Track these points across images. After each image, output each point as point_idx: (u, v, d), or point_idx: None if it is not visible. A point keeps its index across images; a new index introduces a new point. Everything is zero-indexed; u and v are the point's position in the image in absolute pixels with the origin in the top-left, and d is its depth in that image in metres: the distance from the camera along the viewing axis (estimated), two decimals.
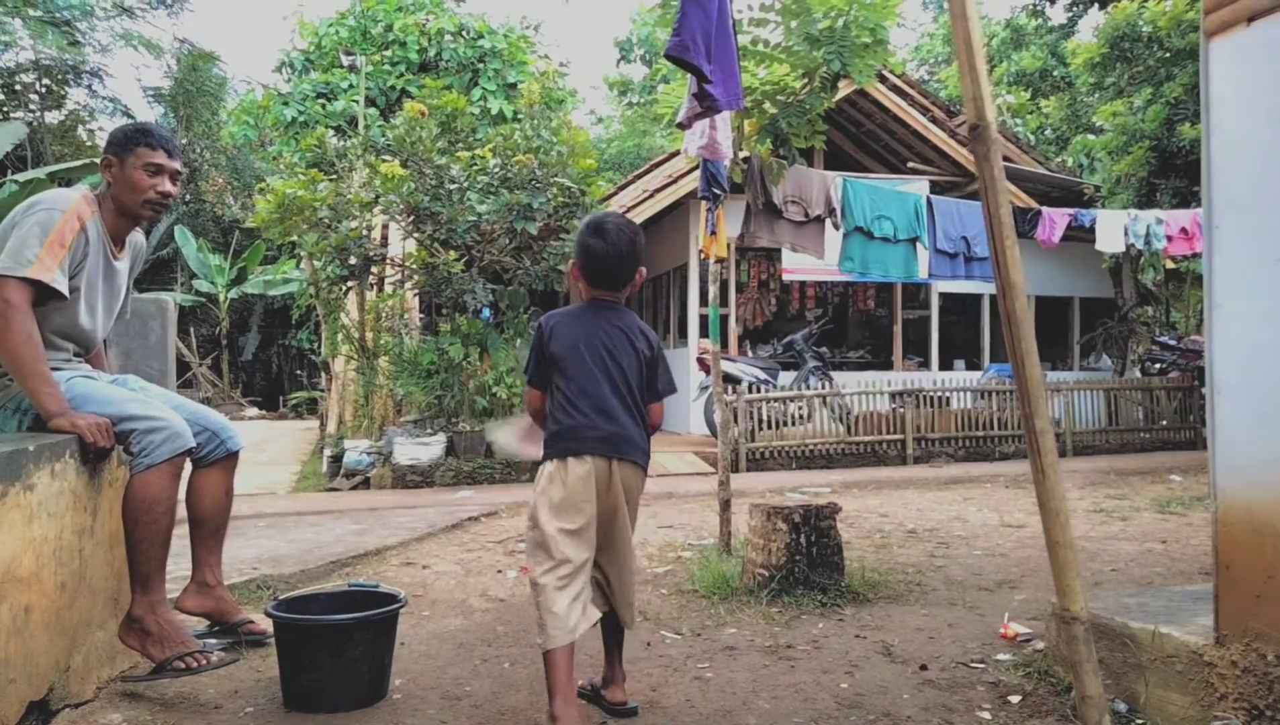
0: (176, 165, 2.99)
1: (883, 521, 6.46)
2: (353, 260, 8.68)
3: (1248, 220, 2.39)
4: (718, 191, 4.03)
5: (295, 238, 8.67)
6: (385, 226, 9.61)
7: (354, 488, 8.54)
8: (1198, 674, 2.47)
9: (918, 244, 7.07)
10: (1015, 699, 2.82)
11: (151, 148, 2.93)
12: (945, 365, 12.35)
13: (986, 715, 2.70)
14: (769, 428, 9.89)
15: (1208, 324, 2.50)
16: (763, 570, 4.10)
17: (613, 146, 27.54)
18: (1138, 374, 13.25)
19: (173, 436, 2.80)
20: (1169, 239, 8.44)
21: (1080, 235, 8.96)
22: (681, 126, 3.59)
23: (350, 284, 9.17)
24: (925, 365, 12.42)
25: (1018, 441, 10.87)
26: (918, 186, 11.42)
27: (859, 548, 5.36)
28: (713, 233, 4.14)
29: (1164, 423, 11.73)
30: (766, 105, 4.74)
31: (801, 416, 10.14)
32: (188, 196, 26.10)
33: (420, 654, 3.30)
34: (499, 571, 4.75)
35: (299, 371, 24.95)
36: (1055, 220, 8.49)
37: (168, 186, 2.96)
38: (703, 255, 4.50)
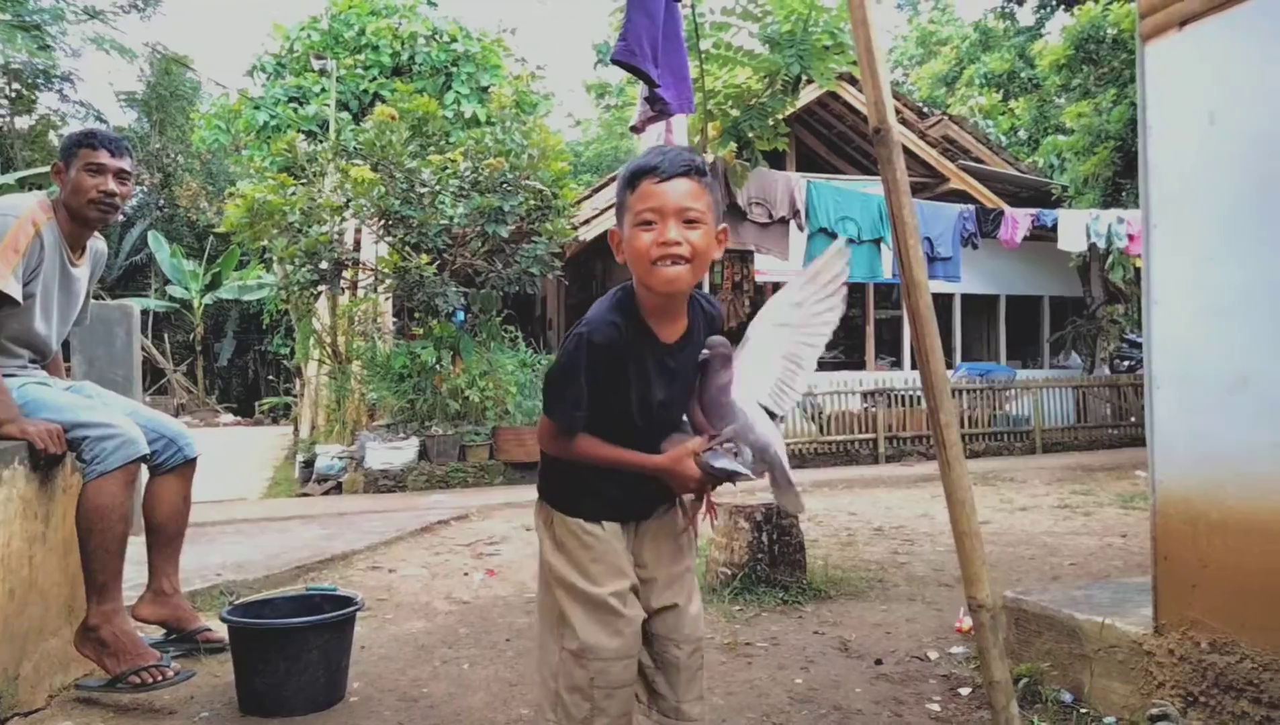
0: (121, 164, 2.98)
1: (850, 519, 6.52)
2: (324, 264, 8.65)
3: (1182, 219, 2.45)
4: None
5: (266, 242, 8.63)
6: (358, 230, 9.58)
7: (325, 493, 8.51)
8: (1138, 663, 2.53)
9: (881, 245, 7.15)
10: (965, 691, 2.87)
11: (93, 148, 2.93)
12: (917, 365, 12.44)
13: (936, 707, 2.75)
14: None
15: (1146, 320, 2.56)
16: (725, 569, 4.14)
17: (591, 149, 27.54)
18: (1107, 371, 13.41)
19: (126, 443, 2.80)
20: (1130, 238, 8.57)
21: (1044, 235, 9.06)
22: (635, 130, 3.63)
23: (321, 289, 9.14)
24: (898, 365, 12.52)
25: (987, 439, 10.98)
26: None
27: (825, 546, 5.41)
28: None
29: (1132, 419, 11.88)
30: (730, 108, 4.78)
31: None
32: (161, 202, 25.92)
33: (380, 656, 3.31)
34: (465, 574, 4.76)
35: (273, 377, 24.80)
36: (1018, 220, 8.60)
37: (111, 186, 2.95)
38: None
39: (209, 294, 23.19)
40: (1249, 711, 2.23)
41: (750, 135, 4.54)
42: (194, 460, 3.27)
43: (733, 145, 4.63)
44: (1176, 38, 2.43)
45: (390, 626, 3.74)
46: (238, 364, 26.12)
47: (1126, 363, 14.18)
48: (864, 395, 10.53)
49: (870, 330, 12.27)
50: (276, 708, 2.68)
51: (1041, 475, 8.92)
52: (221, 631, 3.21)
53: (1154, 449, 2.52)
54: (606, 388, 1.75)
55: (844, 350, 12.86)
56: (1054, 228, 8.73)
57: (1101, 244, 8.71)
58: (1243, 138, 2.28)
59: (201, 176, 25.01)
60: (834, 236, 6.57)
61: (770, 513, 4.14)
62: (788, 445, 9.92)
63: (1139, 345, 14.64)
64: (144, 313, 23.14)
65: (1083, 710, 2.63)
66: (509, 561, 5.06)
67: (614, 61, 2.93)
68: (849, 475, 9.04)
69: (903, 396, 10.69)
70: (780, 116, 4.66)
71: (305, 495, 8.55)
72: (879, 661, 3.18)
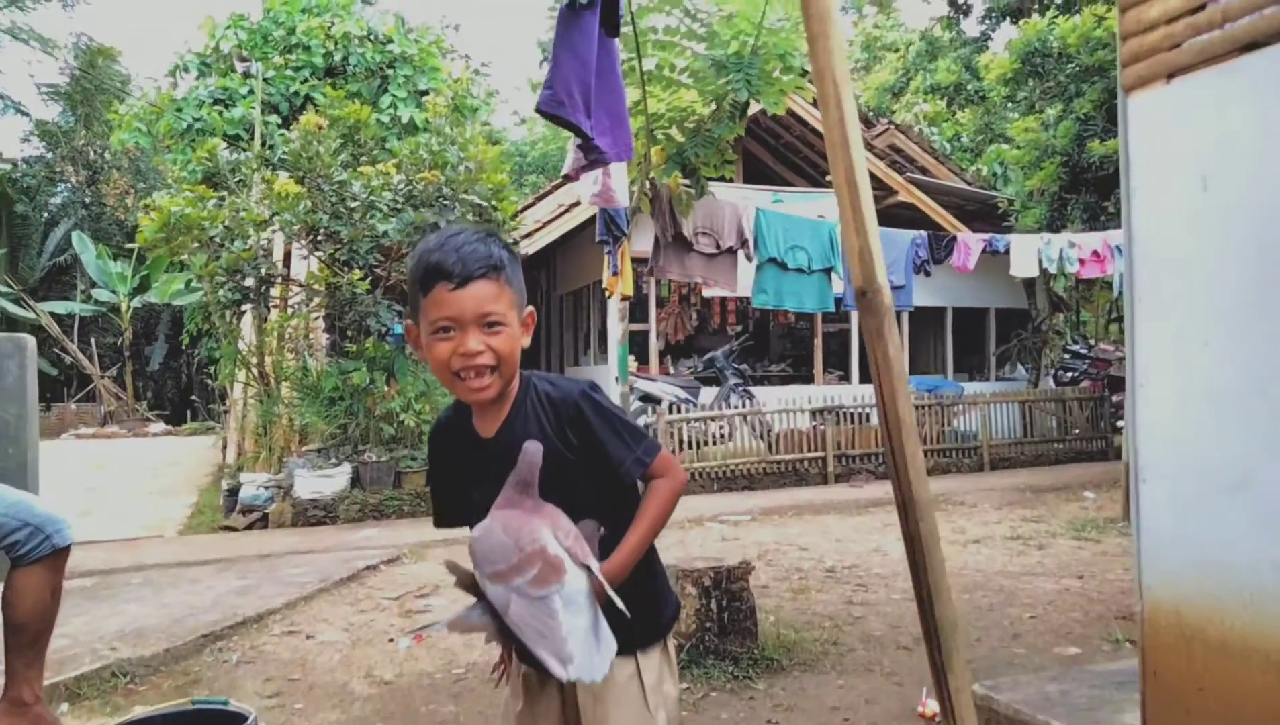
0: None
1: (801, 557, 6.27)
2: (248, 281, 8.15)
3: (1172, 297, 2.20)
4: (618, 234, 3.77)
5: (185, 258, 8.11)
6: (288, 243, 9.08)
7: (250, 525, 8.02)
8: None
9: (832, 273, 6.92)
10: None
11: None
12: (866, 378, 12.30)
13: None
14: (690, 448, 9.67)
15: (1129, 403, 2.31)
16: (672, 640, 3.83)
17: (536, 149, 27.08)
18: (1051, 383, 13.46)
19: None
20: (1081, 262, 8.50)
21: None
22: (569, 178, 3.30)
23: (246, 308, 8.63)
24: (846, 378, 12.37)
25: (936, 456, 10.87)
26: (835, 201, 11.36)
27: (776, 594, 5.15)
28: (615, 273, 3.87)
29: (1076, 432, 11.91)
30: (674, 132, 4.48)
31: (723, 435, 9.95)
32: (88, 199, 24.80)
33: None
34: (390, 640, 4.38)
35: (210, 380, 23.89)
36: (970, 246, 8.47)
37: None
38: (608, 294, 4.22)
39: (138, 298, 22.26)
40: None
41: (695, 162, 4.25)
42: (66, 549, 2.87)
43: (677, 173, 4.34)
44: (1164, 91, 2.18)
45: (300, 721, 3.36)
46: (171, 366, 25.11)
47: (1069, 374, 14.24)
48: (813, 413, 10.33)
49: (818, 343, 12.09)
50: None
51: (991, 498, 8.80)
52: None
53: (1140, 549, 2.27)
54: (453, 489, 1.68)
55: (792, 363, 12.70)
56: (1005, 252, 8.63)
57: (1053, 269, 8.63)
58: (1241, 206, 2.03)
59: (130, 174, 24.01)
60: (784, 266, 6.34)
61: (719, 577, 3.85)
62: (737, 465, 9.75)
63: (1081, 356, 14.73)
64: (69, 317, 22.24)
65: None
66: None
67: (539, 112, 2.59)
68: (798, 499, 8.82)
69: (851, 414, 10.52)
70: (728, 142, 4.37)
71: (229, 528, 8.06)
72: None
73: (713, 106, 4.53)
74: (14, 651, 2.81)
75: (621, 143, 2.87)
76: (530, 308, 1.60)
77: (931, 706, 3.27)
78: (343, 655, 4.16)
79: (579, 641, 1.36)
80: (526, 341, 1.58)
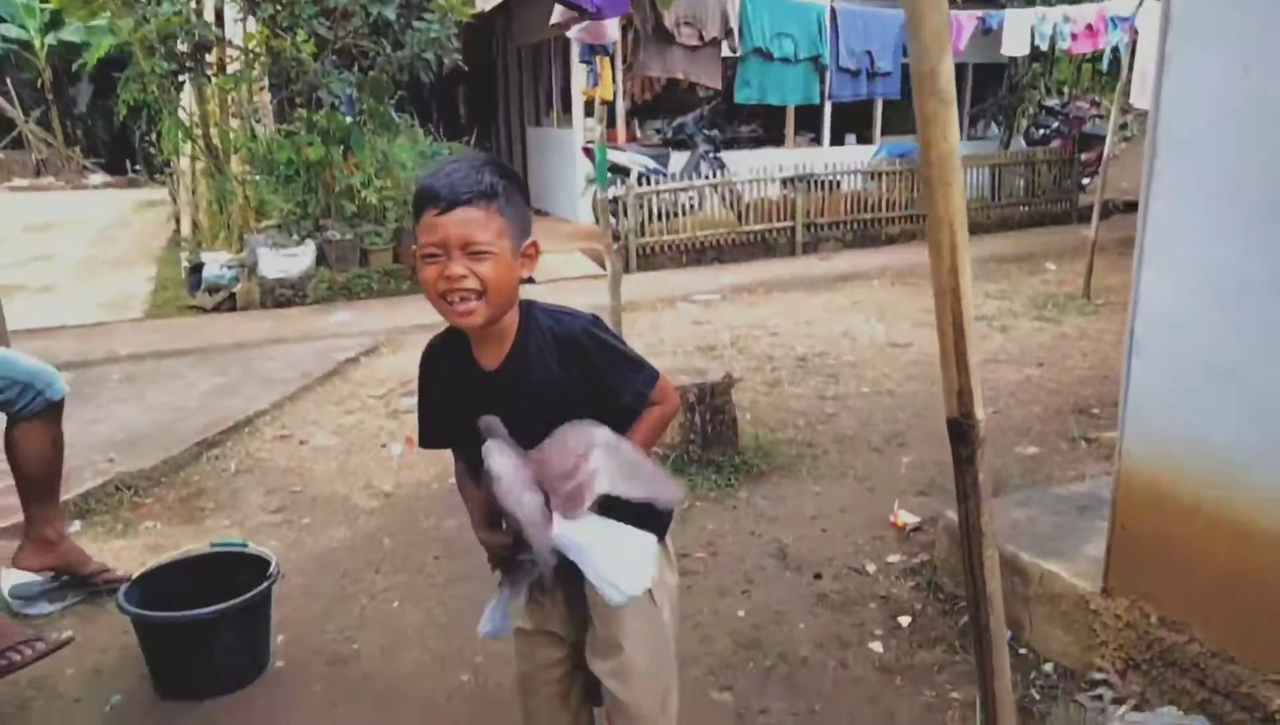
0: None
1: (773, 344, 6.44)
2: (182, 47, 7.51)
3: (1191, 180, 2.15)
4: (599, 53, 3.48)
5: (108, 20, 7.39)
6: (219, 2, 8.27)
7: (217, 306, 7.93)
8: (1082, 618, 2.54)
9: (819, 62, 6.52)
10: (905, 621, 2.89)
11: None
12: (837, 140, 12.01)
13: (878, 646, 2.75)
14: (660, 220, 9.56)
15: (1135, 276, 2.31)
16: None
17: None
18: (1022, 142, 13.27)
19: None
20: (1074, 37, 8.10)
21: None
22: (560, 28, 2.98)
23: (184, 78, 8.00)
24: (817, 141, 12.06)
25: (904, 222, 10.89)
26: None
27: (751, 387, 5.34)
28: (595, 85, 3.63)
29: (1043, 193, 11.95)
30: None
31: (693, 206, 9.82)
32: None
33: (301, 590, 3.13)
34: (383, 445, 4.52)
35: (154, 149, 22.64)
36: (963, 24, 7.99)
37: None
38: (585, 97, 3.98)
39: (51, 34, 20.38)
40: (1191, 690, 2.27)
41: None
42: (61, 401, 2.85)
43: None
44: None
45: (308, 538, 3.54)
46: (101, 106, 23.34)
47: (1041, 131, 14.03)
48: (783, 182, 10.17)
49: (791, 107, 11.65)
50: (196, 692, 2.51)
51: None
52: (124, 571, 2.96)
53: (1125, 416, 2.37)
54: (442, 412, 1.70)
55: (763, 125, 12.29)
56: (1000, 28, 8.15)
57: (1045, 46, 8.22)
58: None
59: None
60: (769, 57, 5.94)
61: (704, 393, 3.97)
62: (706, 237, 9.71)
63: (1055, 113, 14.46)
64: None
65: (1021, 651, 2.67)
66: None
67: None
68: (767, 275, 8.89)
69: (821, 181, 10.37)
70: None
71: (196, 308, 7.97)
72: (818, 576, 3.17)
73: None
74: (29, 499, 2.89)
75: None
76: (533, 239, 1.57)
77: (903, 517, 3.53)
78: (339, 463, 4.31)
79: (610, 568, 1.48)
80: (526, 272, 1.57)
